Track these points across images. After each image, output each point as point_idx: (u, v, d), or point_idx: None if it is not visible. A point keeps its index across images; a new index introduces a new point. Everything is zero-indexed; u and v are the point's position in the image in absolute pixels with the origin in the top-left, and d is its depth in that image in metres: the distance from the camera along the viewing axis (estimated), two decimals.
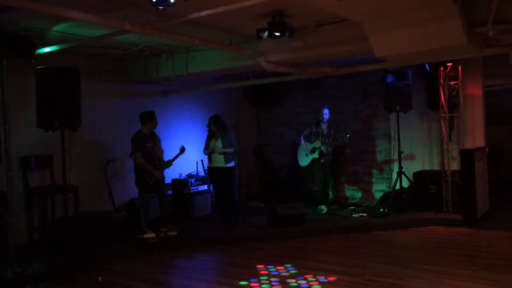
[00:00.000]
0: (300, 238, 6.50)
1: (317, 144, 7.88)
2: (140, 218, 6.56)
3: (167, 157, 7.25)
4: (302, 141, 8.12)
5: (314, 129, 8.00)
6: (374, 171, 8.73)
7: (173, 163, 6.85)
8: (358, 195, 8.87)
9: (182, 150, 6.88)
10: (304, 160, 8.13)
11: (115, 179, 7.19)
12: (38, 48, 5.28)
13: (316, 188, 7.98)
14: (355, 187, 8.95)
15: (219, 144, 7.40)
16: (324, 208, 7.75)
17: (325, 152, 7.74)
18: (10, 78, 5.00)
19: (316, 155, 7.90)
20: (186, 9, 4.47)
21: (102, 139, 7.16)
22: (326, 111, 7.93)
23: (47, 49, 5.52)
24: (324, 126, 7.94)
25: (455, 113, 7.56)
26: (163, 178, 6.78)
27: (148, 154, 6.59)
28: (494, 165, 8.51)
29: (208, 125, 7.58)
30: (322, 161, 7.83)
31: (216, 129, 7.45)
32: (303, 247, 6.13)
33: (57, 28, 5.28)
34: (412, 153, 8.19)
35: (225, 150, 7.34)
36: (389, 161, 8.51)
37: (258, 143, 10.16)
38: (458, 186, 7.24)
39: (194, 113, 8.66)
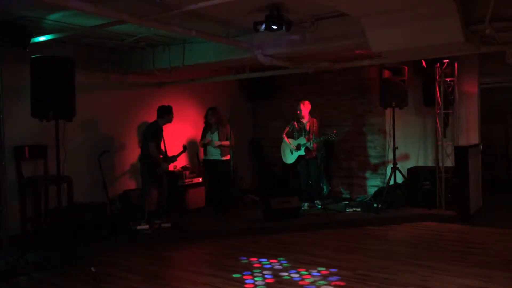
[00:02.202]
0: (293, 232, 6.51)
1: (302, 140, 7.68)
2: (141, 209, 6.56)
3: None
4: (285, 139, 7.87)
5: (296, 126, 7.79)
6: (368, 167, 8.75)
7: (177, 159, 7.03)
8: (352, 190, 8.89)
9: (184, 148, 7.14)
10: (290, 158, 7.87)
11: (109, 170, 7.17)
12: (33, 37, 5.25)
13: (310, 182, 7.89)
14: (349, 182, 8.97)
15: (215, 137, 7.38)
16: (305, 205, 7.68)
17: (311, 148, 7.63)
18: (4, 67, 4.97)
19: (302, 152, 7.68)
20: (183, 0, 4.45)
21: (97, 130, 7.13)
22: (301, 106, 7.72)
23: (42, 38, 5.47)
24: (305, 121, 7.75)
25: (450, 109, 7.59)
26: (167, 171, 6.87)
27: (159, 146, 6.63)
28: (487, 163, 8.56)
29: (206, 116, 7.57)
30: (307, 157, 7.68)
31: (213, 121, 7.44)
32: (297, 241, 6.15)
33: (53, 17, 5.23)
34: (406, 153, 8.19)
35: (222, 143, 7.32)
36: (383, 157, 8.53)
37: (254, 136, 10.15)
38: (452, 182, 7.28)
39: (189, 106, 8.62)
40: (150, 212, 6.60)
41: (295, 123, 7.83)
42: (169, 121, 6.87)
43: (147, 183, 6.72)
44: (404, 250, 5.65)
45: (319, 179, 7.87)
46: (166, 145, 6.87)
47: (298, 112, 7.76)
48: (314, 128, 7.71)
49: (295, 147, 7.74)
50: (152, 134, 6.65)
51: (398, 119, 7.64)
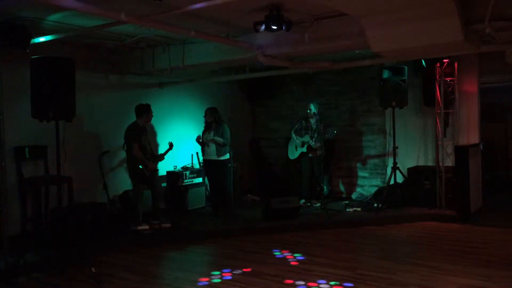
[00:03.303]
0: (293, 232, 6.51)
1: (306, 138, 7.94)
2: (136, 210, 6.56)
3: (156, 150, 7.24)
4: (293, 135, 8.16)
5: (304, 124, 8.03)
6: (369, 166, 8.75)
7: (164, 157, 6.93)
8: (352, 189, 8.89)
9: (171, 146, 6.97)
10: (293, 154, 8.17)
11: (109, 170, 7.17)
12: (33, 38, 5.24)
13: (312, 179, 8.01)
14: (349, 182, 8.96)
15: (211, 136, 7.39)
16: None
17: (313, 146, 7.78)
18: (4, 68, 4.96)
19: (304, 149, 7.95)
20: (183, 0, 4.45)
21: (97, 130, 7.13)
22: (312, 106, 7.96)
23: (42, 39, 5.47)
24: (313, 121, 7.96)
25: (450, 109, 7.59)
26: (157, 170, 6.80)
27: (142, 146, 6.60)
28: (487, 163, 8.56)
29: (204, 116, 7.59)
30: (310, 155, 7.88)
31: (210, 120, 7.45)
32: (297, 240, 6.14)
33: (53, 17, 5.23)
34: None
35: (214, 138, 7.31)
36: (383, 157, 8.53)
37: (254, 136, 10.15)
38: (452, 182, 7.28)
39: (189, 106, 8.62)
40: (146, 213, 6.60)
41: (303, 121, 8.05)
42: (148, 120, 6.79)
43: (136, 185, 6.71)
44: (404, 250, 5.65)
45: (319, 178, 7.94)
46: (156, 144, 6.79)
47: (308, 111, 7.97)
48: (321, 127, 7.84)
49: (301, 143, 7.98)
50: (131, 136, 6.56)
51: (398, 119, 7.64)
